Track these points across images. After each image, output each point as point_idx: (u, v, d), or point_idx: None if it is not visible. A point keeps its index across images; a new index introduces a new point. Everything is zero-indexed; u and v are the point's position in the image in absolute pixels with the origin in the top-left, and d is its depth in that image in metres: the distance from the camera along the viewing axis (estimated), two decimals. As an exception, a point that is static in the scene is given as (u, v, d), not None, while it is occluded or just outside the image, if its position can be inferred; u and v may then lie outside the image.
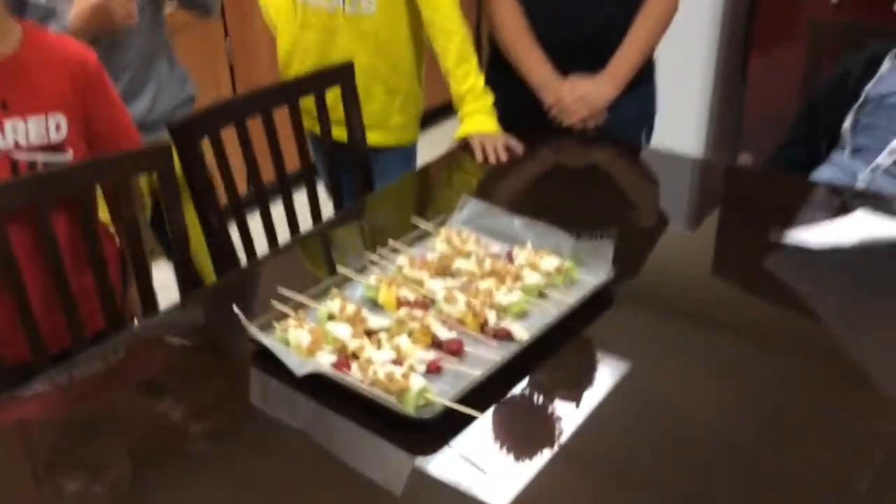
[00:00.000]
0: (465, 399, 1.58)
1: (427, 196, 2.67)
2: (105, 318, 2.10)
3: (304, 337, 1.72)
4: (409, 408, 1.56)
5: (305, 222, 2.57)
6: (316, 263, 2.25)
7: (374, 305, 1.90)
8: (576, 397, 1.66)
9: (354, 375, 1.64)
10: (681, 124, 4.39)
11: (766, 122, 4.32)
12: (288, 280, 2.09)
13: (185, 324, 1.97)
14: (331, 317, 1.82)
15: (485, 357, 1.70)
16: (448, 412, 1.55)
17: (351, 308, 1.80)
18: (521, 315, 1.85)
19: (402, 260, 1.98)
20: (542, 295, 1.91)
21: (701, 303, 1.95)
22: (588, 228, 2.18)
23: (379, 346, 1.72)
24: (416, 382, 1.57)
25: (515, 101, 2.79)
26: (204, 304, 2.06)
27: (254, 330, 1.72)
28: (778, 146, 2.81)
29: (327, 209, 2.67)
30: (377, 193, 2.59)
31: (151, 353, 1.85)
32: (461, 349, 1.73)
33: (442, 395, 1.60)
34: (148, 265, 2.13)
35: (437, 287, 1.91)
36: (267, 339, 1.70)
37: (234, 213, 2.45)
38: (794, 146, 2.75)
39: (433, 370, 1.67)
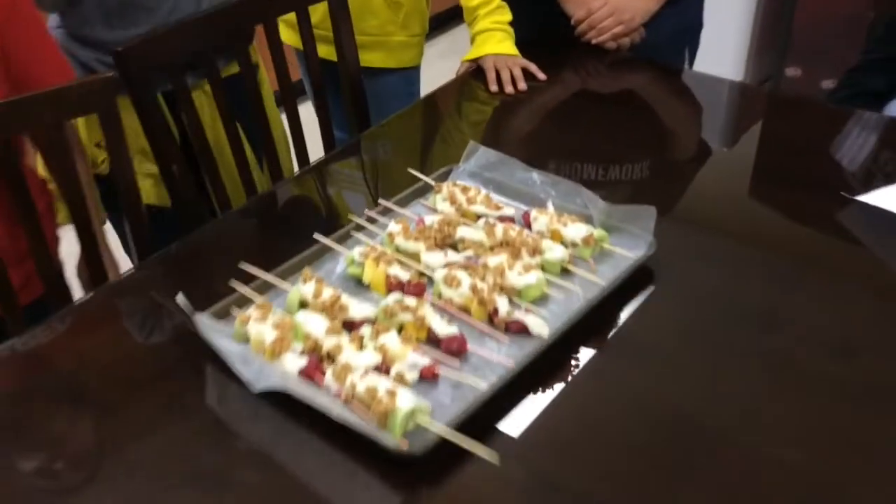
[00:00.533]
0: (468, 422, 1.24)
1: (429, 136, 2.26)
2: (44, 285, 1.76)
3: (267, 333, 1.37)
4: (394, 436, 1.22)
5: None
6: (291, 225, 1.88)
7: (359, 284, 1.55)
8: (612, 416, 1.31)
9: (328, 386, 1.31)
10: (723, 36, 3.90)
11: (817, 31, 3.83)
12: (256, 248, 1.75)
13: (132, 301, 1.63)
14: (303, 304, 1.47)
15: (493, 360, 1.36)
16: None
17: (328, 293, 1.45)
18: (540, 300, 1.49)
19: (393, 226, 1.61)
20: (565, 272, 1.55)
21: (767, 290, 1.58)
22: (622, 177, 1.80)
23: (361, 345, 1.38)
24: (405, 401, 1.23)
25: (536, 18, 2.36)
26: (164, 270, 1.71)
27: (203, 326, 1.37)
28: (847, 69, 2.38)
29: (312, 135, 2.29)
30: (369, 133, 2.19)
31: (79, 340, 1.51)
32: (463, 348, 1.38)
33: (439, 412, 1.26)
34: (94, 226, 1.77)
35: (435, 262, 1.55)
36: (219, 339, 1.36)
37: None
38: (867, 72, 2.32)
39: (428, 377, 1.33)
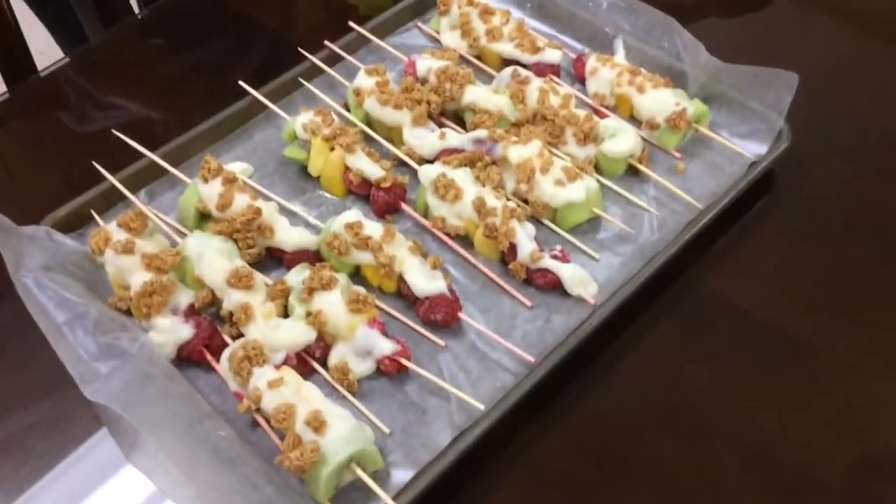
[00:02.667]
0: (453, 478, 0.73)
1: None
2: None
3: (135, 272, 0.83)
4: (319, 495, 0.71)
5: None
6: (204, 58, 1.23)
7: (302, 175, 0.98)
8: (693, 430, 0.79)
9: (223, 373, 0.78)
10: None
11: None
12: (146, 101, 1.15)
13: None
14: (204, 216, 0.91)
15: (503, 348, 0.81)
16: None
17: (242, 200, 0.88)
18: (589, 230, 0.91)
19: (363, 78, 1.00)
20: (632, 173, 0.96)
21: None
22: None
23: (285, 304, 0.83)
24: (340, 440, 0.71)
25: None
26: None
27: (19, 261, 0.82)
28: None
29: None
30: None
31: None
32: (453, 316, 0.83)
33: (401, 455, 0.75)
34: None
35: (424, 146, 0.96)
36: (45, 283, 0.81)
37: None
38: None
39: (390, 371, 0.80)
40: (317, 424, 0.71)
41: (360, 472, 0.72)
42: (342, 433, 0.71)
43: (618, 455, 0.77)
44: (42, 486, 0.78)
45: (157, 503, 0.75)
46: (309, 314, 0.81)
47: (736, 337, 0.84)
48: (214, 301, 0.84)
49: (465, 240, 0.90)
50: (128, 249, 0.84)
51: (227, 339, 0.82)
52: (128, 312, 0.84)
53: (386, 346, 0.79)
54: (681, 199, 0.91)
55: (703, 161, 0.96)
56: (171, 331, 0.81)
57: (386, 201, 0.92)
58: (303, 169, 0.97)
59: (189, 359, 0.81)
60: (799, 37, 1.15)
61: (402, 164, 0.96)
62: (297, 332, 0.80)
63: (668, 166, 0.96)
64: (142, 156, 0.95)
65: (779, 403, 0.80)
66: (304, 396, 0.74)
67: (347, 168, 0.93)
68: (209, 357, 0.81)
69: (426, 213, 0.92)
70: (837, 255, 0.91)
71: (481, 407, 0.76)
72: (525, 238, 0.86)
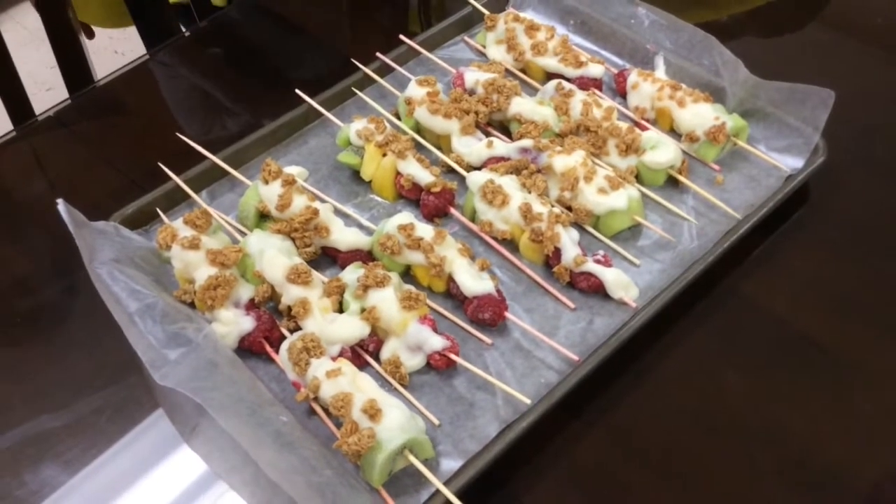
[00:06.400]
0: (502, 469, 0.77)
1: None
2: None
3: (200, 267, 0.88)
4: (371, 481, 0.75)
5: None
6: (261, 67, 1.30)
7: (354, 179, 1.02)
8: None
9: (282, 363, 0.83)
10: None
11: None
12: (201, 108, 1.20)
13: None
14: (263, 216, 0.96)
15: (547, 347, 0.85)
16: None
17: (300, 202, 0.93)
18: (629, 237, 0.95)
19: (413, 88, 1.05)
20: (672, 183, 1.00)
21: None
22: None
23: (340, 300, 0.88)
24: (394, 429, 0.75)
25: None
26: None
27: (93, 254, 0.88)
28: None
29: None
30: None
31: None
32: (500, 315, 0.87)
33: (450, 444, 0.79)
34: None
35: (472, 154, 1.00)
36: (117, 275, 0.86)
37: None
38: None
39: (439, 365, 0.84)
40: (373, 412, 0.75)
41: (413, 459, 0.76)
42: (397, 421, 0.76)
43: (655, 453, 0.81)
44: (103, 464, 0.83)
45: (210, 484, 0.80)
46: (363, 310, 0.85)
47: (771, 344, 0.87)
48: (273, 296, 0.89)
49: (511, 244, 0.94)
50: (194, 245, 0.88)
51: (286, 332, 0.87)
52: (192, 305, 0.89)
53: (436, 342, 0.83)
54: (719, 210, 0.95)
55: (741, 173, 1.00)
56: (233, 322, 0.85)
57: (436, 205, 0.96)
58: (355, 174, 1.01)
59: (250, 349, 0.86)
60: (834, 56, 1.19)
61: (450, 170, 1.01)
62: (352, 327, 0.85)
63: (707, 178, 0.99)
64: (203, 159, 1.01)
65: (812, 410, 0.83)
66: (360, 386, 0.79)
67: (399, 173, 0.98)
68: (268, 348, 0.86)
69: (473, 218, 0.96)
70: (871, 267, 0.94)
71: (528, 401, 0.79)
72: (569, 243, 0.90)
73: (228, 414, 0.75)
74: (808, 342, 0.87)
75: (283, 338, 0.86)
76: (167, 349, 0.81)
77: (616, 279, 0.88)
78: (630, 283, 0.89)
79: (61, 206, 0.86)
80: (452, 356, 0.83)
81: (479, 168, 1.00)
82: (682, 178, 0.98)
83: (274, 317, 0.88)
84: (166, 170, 0.98)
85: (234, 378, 0.80)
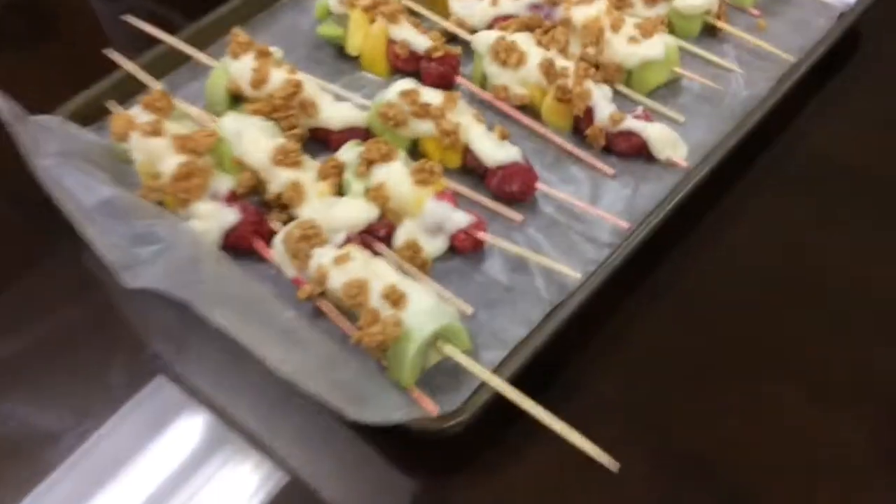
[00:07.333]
0: (550, 354, 0.64)
1: None
2: None
3: (165, 156, 0.73)
4: (402, 383, 0.62)
5: None
6: None
7: (339, 57, 0.88)
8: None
9: (278, 258, 0.69)
10: None
11: None
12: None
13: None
14: (235, 97, 0.81)
15: (590, 216, 0.72)
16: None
17: (279, 76, 0.78)
18: (667, 92, 0.82)
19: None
20: (709, 31, 0.87)
21: None
22: None
23: (339, 184, 0.74)
24: (423, 314, 0.61)
25: None
26: None
27: (37, 148, 0.72)
28: None
29: None
30: None
31: None
32: (531, 186, 0.73)
33: (488, 331, 0.65)
34: None
35: (473, 17, 0.86)
36: (68, 168, 0.71)
37: None
38: None
39: (465, 247, 0.70)
40: (396, 297, 0.62)
41: (449, 350, 0.62)
42: (425, 306, 0.62)
43: (728, 331, 0.68)
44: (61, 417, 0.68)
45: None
46: (368, 191, 0.71)
47: (850, 194, 0.75)
48: (258, 186, 0.74)
49: (530, 111, 0.80)
50: (156, 131, 0.73)
51: (277, 225, 0.72)
52: (159, 205, 0.74)
53: (460, 219, 0.69)
54: (768, 56, 0.82)
55: (784, 18, 0.87)
56: (214, 216, 0.70)
57: (439, 73, 0.82)
58: (339, 50, 0.87)
59: (236, 247, 0.71)
60: None
61: (450, 40, 0.86)
62: (357, 210, 0.70)
63: (746, 25, 0.87)
64: (157, 44, 0.85)
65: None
66: (376, 271, 0.65)
67: (391, 41, 0.83)
68: (259, 244, 0.71)
69: (484, 85, 0.82)
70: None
71: (577, 275, 0.66)
72: (602, 99, 0.77)
73: (224, 310, 0.61)
74: (888, 186, 0.75)
75: (274, 234, 0.71)
76: (137, 247, 0.67)
77: (662, 135, 0.75)
78: (678, 140, 0.76)
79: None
80: (480, 234, 0.70)
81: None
82: (721, 24, 0.85)
83: (262, 210, 0.73)
84: (115, 56, 0.83)
85: (223, 274, 0.66)
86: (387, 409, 0.58)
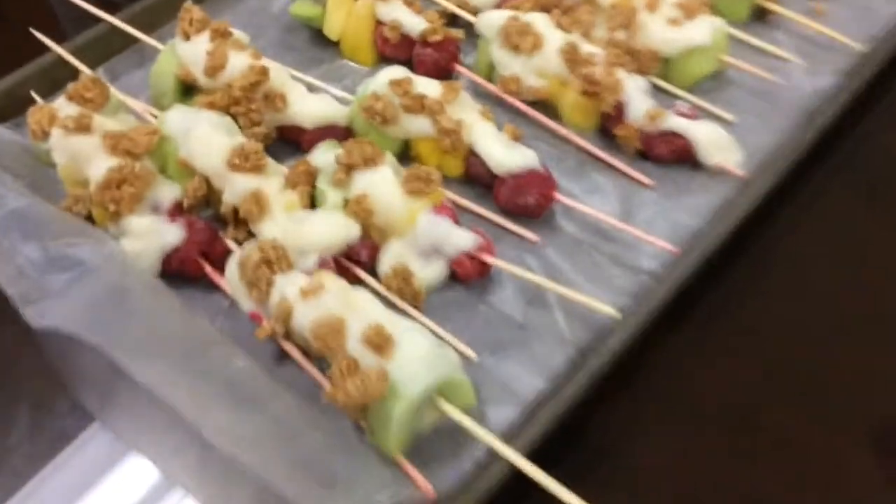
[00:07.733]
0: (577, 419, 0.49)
1: None
2: None
3: (95, 157, 0.58)
4: (388, 450, 0.47)
5: None
6: None
7: (316, 42, 0.73)
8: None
9: (232, 287, 0.54)
10: None
11: None
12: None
13: None
14: (187, 87, 0.66)
15: (628, 236, 0.58)
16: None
17: (240, 60, 0.64)
18: (712, 85, 0.68)
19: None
20: (760, 16, 0.73)
21: None
22: None
23: (311, 192, 0.59)
24: (415, 355, 0.47)
25: None
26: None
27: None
28: None
29: None
30: None
31: None
32: (548, 197, 0.59)
33: (498, 383, 0.51)
34: None
35: (481, -5, 0.72)
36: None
37: None
38: None
39: (468, 274, 0.55)
40: (380, 341, 0.47)
41: (448, 409, 0.47)
42: (418, 352, 0.47)
43: (793, 365, 0.55)
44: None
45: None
46: (348, 203, 0.57)
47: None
48: (210, 196, 0.60)
49: (547, 107, 0.66)
50: (83, 126, 0.59)
51: (232, 245, 0.58)
52: (88, 219, 0.59)
53: (462, 239, 0.55)
54: (829, 46, 0.68)
55: (844, 3, 0.74)
56: (151, 234, 0.56)
57: (435, 61, 0.68)
58: (316, 33, 0.73)
59: (180, 273, 0.56)
60: None
61: (450, 22, 0.72)
62: (333, 226, 0.56)
63: (803, 9, 0.73)
64: (97, 22, 0.71)
65: None
66: (355, 306, 0.50)
67: (379, 22, 0.69)
68: (208, 269, 0.56)
69: (490, 76, 0.68)
70: None
71: (611, 311, 0.52)
72: (637, 91, 0.62)
73: (151, 360, 0.46)
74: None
75: (230, 253, 0.57)
76: (49, 275, 0.52)
77: (711, 136, 0.61)
78: (731, 142, 0.62)
79: None
80: (487, 258, 0.55)
81: (490, 13, 0.71)
82: (774, 7, 0.71)
83: (214, 226, 0.59)
84: (42, 37, 0.68)
85: (157, 309, 0.51)
86: (365, 491, 0.44)
